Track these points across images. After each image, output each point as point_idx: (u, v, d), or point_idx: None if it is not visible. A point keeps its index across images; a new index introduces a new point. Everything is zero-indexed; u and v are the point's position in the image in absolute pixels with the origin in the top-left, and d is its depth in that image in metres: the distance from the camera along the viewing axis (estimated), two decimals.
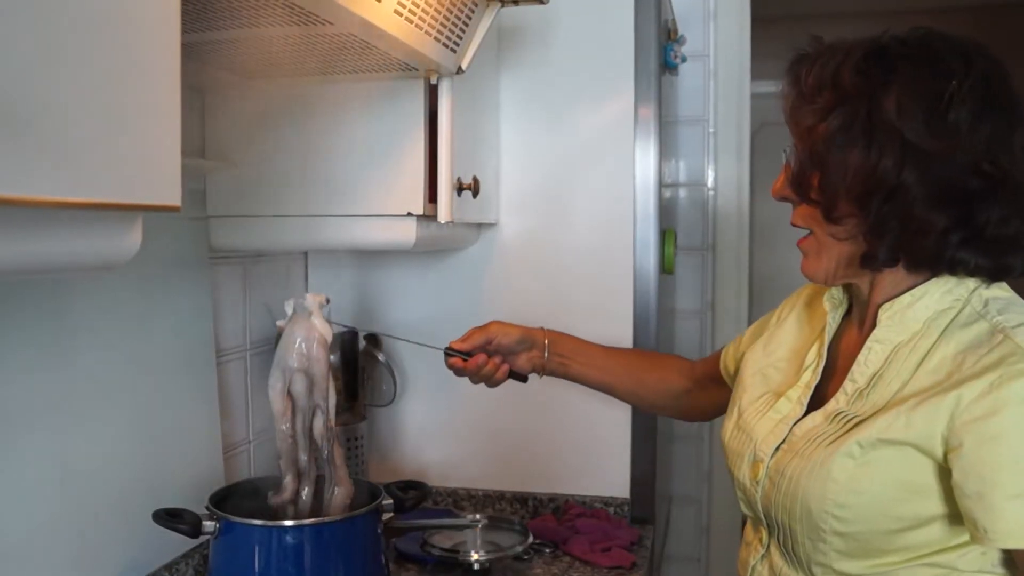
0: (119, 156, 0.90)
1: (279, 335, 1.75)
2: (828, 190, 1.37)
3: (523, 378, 1.98)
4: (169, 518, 1.67)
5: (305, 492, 1.78)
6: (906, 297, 1.41)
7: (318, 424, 1.75)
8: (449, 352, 1.88)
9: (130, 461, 1.77)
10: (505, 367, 1.93)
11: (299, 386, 1.73)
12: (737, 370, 1.78)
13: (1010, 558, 1.33)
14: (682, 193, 3.35)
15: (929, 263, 1.38)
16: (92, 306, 1.67)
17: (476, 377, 1.92)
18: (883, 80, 1.33)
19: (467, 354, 1.88)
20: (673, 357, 2.13)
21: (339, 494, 1.79)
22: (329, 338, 1.76)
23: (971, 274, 1.38)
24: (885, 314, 1.42)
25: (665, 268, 2.51)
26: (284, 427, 1.74)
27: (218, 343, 2.11)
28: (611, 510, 2.47)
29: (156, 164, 0.96)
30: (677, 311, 3.30)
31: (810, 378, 1.53)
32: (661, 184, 2.48)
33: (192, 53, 1.67)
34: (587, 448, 2.51)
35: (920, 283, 1.41)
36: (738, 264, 3.35)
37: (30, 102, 0.78)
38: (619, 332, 2.44)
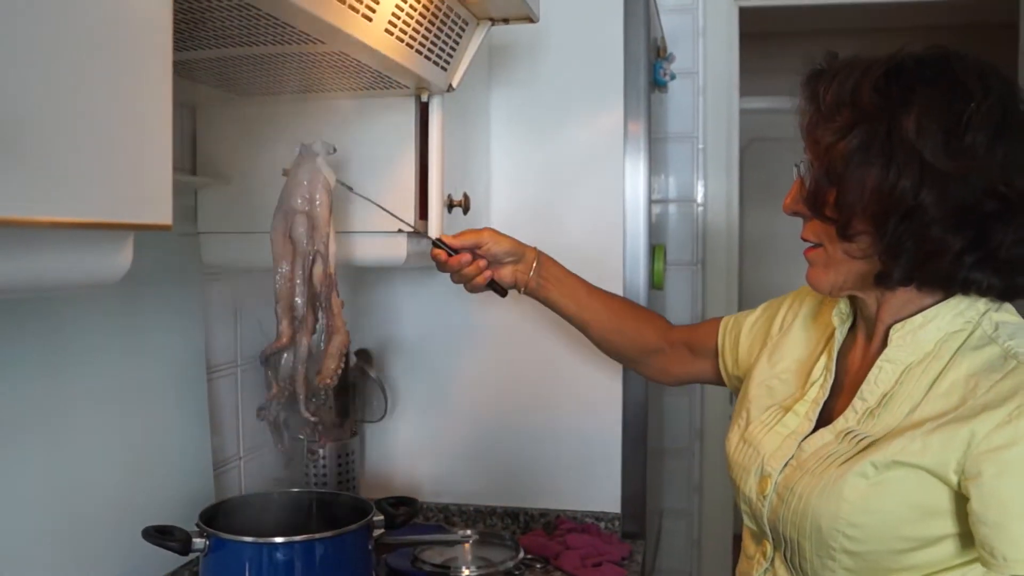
0: (110, 175, 0.90)
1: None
2: (844, 208, 1.38)
3: (502, 292, 1.96)
4: (159, 535, 1.67)
5: (302, 343, 1.71)
6: (918, 318, 1.42)
7: (317, 270, 1.70)
8: (437, 244, 1.85)
9: (120, 477, 1.77)
10: (488, 273, 1.90)
11: (300, 229, 1.68)
12: (740, 377, 1.79)
13: None
14: (672, 209, 3.36)
15: (942, 283, 1.39)
16: (83, 322, 1.67)
17: (457, 276, 1.88)
18: (903, 100, 1.34)
19: (453, 250, 1.85)
20: (655, 315, 2.12)
21: (335, 342, 1.73)
22: (333, 182, 1.71)
23: (982, 294, 1.39)
24: (896, 334, 1.43)
25: (655, 283, 2.52)
26: (283, 269, 1.69)
27: (209, 359, 2.10)
28: (602, 525, 2.47)
29: (147, 183, 0.96)
30: None
31: (818, 393, 1.54)
32: (651, 200, 2.49)
33: (183, 71, 1.67)
34: (578, 463, 2.51)
35: (928, 302, 1.42)
36: (728, 279, 3.36)
37: (20, 122, 0.79)
38: None
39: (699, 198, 3.36)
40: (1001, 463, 1.26)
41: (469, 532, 2.23)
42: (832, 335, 1.58)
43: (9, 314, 1.51)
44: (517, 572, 2.17)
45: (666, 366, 2.04)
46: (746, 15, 3.39)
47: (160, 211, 0.99)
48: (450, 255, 1.84)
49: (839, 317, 1.57)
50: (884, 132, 1.33)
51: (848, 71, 1.40)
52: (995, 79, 1.36)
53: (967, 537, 1.33)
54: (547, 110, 2.48)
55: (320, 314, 1.73)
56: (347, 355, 2.45)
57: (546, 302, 2.00)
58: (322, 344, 1.74)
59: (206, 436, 2.06)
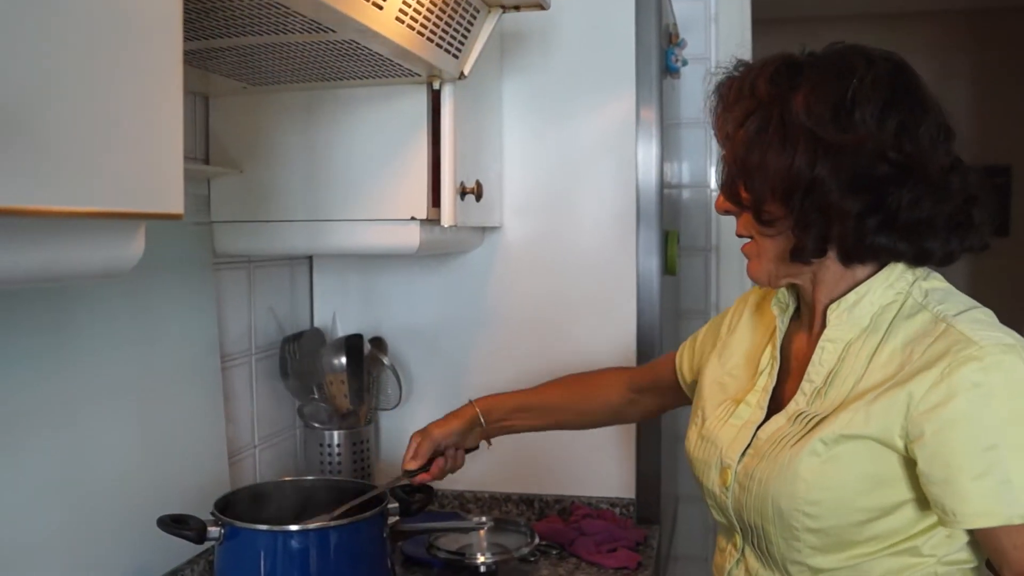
0: (121, 165, 0.90)
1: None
2: (754, 193, 1.44)
3: (475, 447, 2.04)
4: (174, 524, 1.68)
5: None
6: (851, 296, 1.46)
7: None
8: (409, 474, 1.90)
9: (135, 467, 1.78)
10: (460, 453, 1.97)
11: None
12: (695, 380, 1.83)
13: (975, 540, 1.39)
14: (685, 195, 3.35)
15: (855, 251, 1.42)
16: (97, 312, 1.68)
17: (441, 476, 1.95)
18: (792, 85, 1.41)
19: (425, 466, 1.91)
20: (608, 373, 2.15)
21: None
22: None
23: (897, 260, 1.44)
24: (833, 314, 1.47)
25: (668, 269, 2.52)
26: None
27: (223, 348, 2.11)
28: (617, 511, 2.47)
29: (158, 172, 0.96)
30: (681, 311, 3.30)
31: (766, 381, 1.58)
32: (664, 186, 2.49)
33: (196, 60, 1.67)
34: (593, 449, 2.51)
35: (860, 277, 1.46)
36: (741, 263, 3.32)
37: (31, 113, 0.79)
38: (623, 333, 2.45)
39: (712, 183, 3.34)
40: (940, 421, 1.31)
41: (484, 519, 2.23)
42: (776, 325, 1.62)
43: (22, 305, 1.52)
44: (532, 558, 2.17)
45: (644, 408, 2.10)
46: (758, 1, 3.37)
47: (171, 200, 0.99)
48: (427, 470, 1.90)
49: (779, 306, 1.62)
50: (777, 115, 1.40)
51: (748, 69, 1.49)
52: (881, 59, 1.43)
53: (923, 502, 1.37)
54: (559, 97, 2.47)
55: None
56: (362, 344, 2.45)
57: (513, 432, 2.07)
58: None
59: (220, 425, 2.07)
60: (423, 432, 1.93)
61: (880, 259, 1.44)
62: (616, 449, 2.50)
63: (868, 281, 1.45)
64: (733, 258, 3.34)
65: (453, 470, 1.96)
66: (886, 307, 1.44)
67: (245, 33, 1.49)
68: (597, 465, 2.51)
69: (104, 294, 1.70)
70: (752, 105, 1.44)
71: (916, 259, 1.44)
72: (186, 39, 1.01)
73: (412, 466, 1.89)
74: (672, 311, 2.94)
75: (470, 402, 2.00)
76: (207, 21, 1.41)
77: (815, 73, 1.41)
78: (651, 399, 2.05)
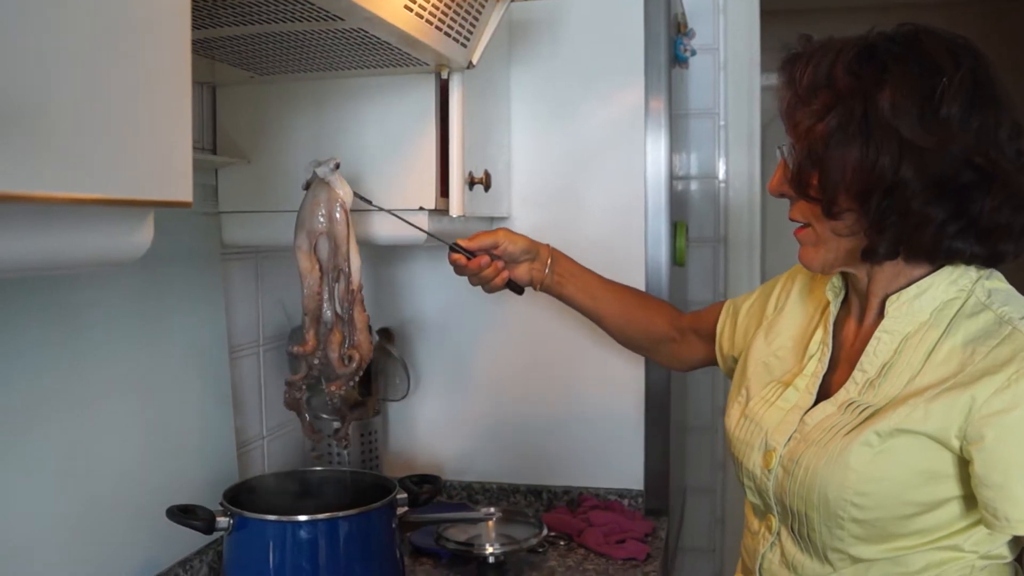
0: (129, 152, 0.90)
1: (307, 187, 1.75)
2: (828, 188, 1.40)
3: (519, 290, 1.98)
4: (183, 514, 1.68)
5: (319, 354, 1.76)
6: (913, 289, 1.44)
7: (341, 287, 1.74)
8: (453, 248, 1.87)
9: (143, 458, 1.78)
10: (505, 273, 1.92)
11: (323, 249, 1.73)
12: (735, 358, 1.82)
13: (1015, 540, 1.41)
14: (693, 186, 3.35)
15: (927, 254, 1.41)
16: (104, 302, 1.68)
17: (476, 278, 1.90)
18: (876, 79, 1.36)
19: (471, 253, 1.87)
20: (665, 304, 2.15)
21: (356, 356, 1.76)
22: (349, 201, 1.74)
23: (967, 262, 1.42)
24: (892, 306, 1.45)
25: (677, 260, 2.51)
26: (311, 283, 1.74)
27: (231, 339, 2.11)
28: (625, 502, 2.47)
29: (167, 160, 0.96)
30: (689, 303, 3.29)
31: (816, 367, 1.56)
32: (672, 177, 2.48)
33: (204, 49, 1.67)
34: (601, 440, 2.51)
35: (918, 274, 1.44)
36: (750, 255, 3.34)
37: (39, 99, 0.78)
38: None
39: (721, 175, 3.33)
40: (1002, 427, 1.30)
41: (492, 510, 2.23)
42: (826, 309, 1.61)
43: (31, 295, 1.51)
44: (541, 549, 2.18)
45: (677, 353, 2.07)
46: None
47: (180, 188, 0.99)
48: (469, 259, 1.87)
49: (832, 292, 1.60)
50: (860, 112, 1.36)
51: (822, 54, 1.43)
52: (964, 52, 1.38)
53: (970, 499, 1.37)
54: (567, 87, 2.47)
55: (344, 328, 1.77)
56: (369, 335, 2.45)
57: (561, 297, 2.03)
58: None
59: (229, 416, 2.07)
60: (491, 230, 1.91)
61: (951, 260, 1.42)
62: (624, 441, 2.50)
63: (931, 276, 1.43)
64: (741, 249, 3.34)
65: (487, 283, 1.91)
66: (947, 303, 1.43)
67: (253, 22, 1.48)
68: (605, 457, 2.51)
69: (112, 285, 1.70)
70: (832, 99, 1.39)
71: (988, 261, 1.42)
72: (194, 28, 1.00)
73: (462, 242, 1.87)
74: (680, 302, 2.93)
75: (546, 244, 1.98)
76: (215, 9, 1.41)
77: (899, 67, 1.36)
78: (688, 345, 2.02)
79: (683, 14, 2.85)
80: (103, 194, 0.87)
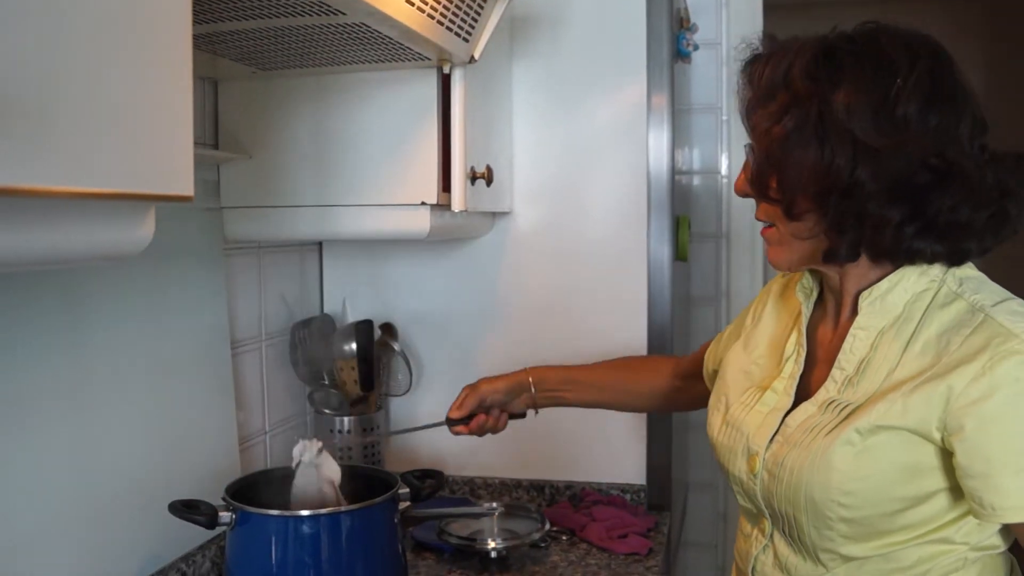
0: (131, 146, 0.90)
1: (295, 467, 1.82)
2: (787, 190, 1.40)
3: (522, 415, 2.06)
4: (185, 509, 1.68)
5: None
6: (884, 283, 1.44)
7: None
8: (451, 423, 1.95)
9: (146, 452, 1.78)
10: (504, 416, 2.02)
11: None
12: (716, 371, 1.81)
13: (1007, 530, 1.40)
14: (696, 180, 3.35)
15: (888, 255, 1.41)
16: (107, 297, 1.68)
17: (481, 433, 1.99)
18: (832, 80, 1.36)
19: (467, 419, 1.95)
20: (658, 359, 2.17)
21: None
22: (337, 478, 1.82)
23: (930, 261, 1.41)
24: (865, 302, 1.45)
25: (679, 255, 2.51)
26: None
27: (233, 334, 2.11)
28: (628, 497, 2.47)
29: (168, 154, 0.96)
30: (692, 298, 3.29)
31: (793, 368, 1.56)
32: (675, 172, 2.48)
33: (205, 44, 1.67)
34: (603, 435, 2.51)
35: (889, 268, 1.44)
36: (752, 250, 3.34)
37: (42, 95, 0.78)
38: (633, 319, 2.44)
39: (723, 170, 3.33)
40: (981, 415, 1.29)
41: (495, 505, 2.23)
42: (801, 312, 1.61)
43: (33, 290, 1.52)
44: (543, 544, 2.17)
45: (686, 398, 2.08)
46: None
47: (181, 182, 0.99)
48: (467, 423, 1.96)
49: (803, 292, 1.60)
50: (816, 114, 1.35)
51: (782, 55, 1.42)
52: (923, 49, 1.38)
53: (957, 491, 1.36)
54: (570, 82, 2.46)
55: None
56: (372, 329, 2.45)
57: (562, 405, 2.09)
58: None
59: (231, 411, 2.07)
60: (472, 386, 1.97)
61: (913, 260, 1.41)
62: (627, 436, 2.50)
63: (901, 270, 1.43)
64: (744, 244, 3.34)
65: (494, 430, 2.00)
66: (919, 295, 1.42)
67: (254, 16, 1.48)
68: (608, 452, 2.51)
69: (115, 280, 1.70)
70: (788, 99, 1.39)
71: (951, 259, 1.41)
72: (195, 22, 1.01)
73: (454, 415, 1.94)
74: (683, 297, 2.94)
75: (524, 369, 2.02)
76: (216, 4, 1.41)
77: (855, 67, 1.35)
78: (696, 387, 2.01)
79: (686, 9, 2.85)
80: (105, 188, 0.87)
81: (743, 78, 1.48)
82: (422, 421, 2.61)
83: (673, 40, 2.45)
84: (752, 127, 1.46)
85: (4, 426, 1.46)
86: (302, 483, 1.80)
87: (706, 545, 3.46)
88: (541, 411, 2.33)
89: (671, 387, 2.06)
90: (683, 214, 2.68)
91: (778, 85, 1.40)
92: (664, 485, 2.50)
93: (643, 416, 2.48)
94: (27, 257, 0.87)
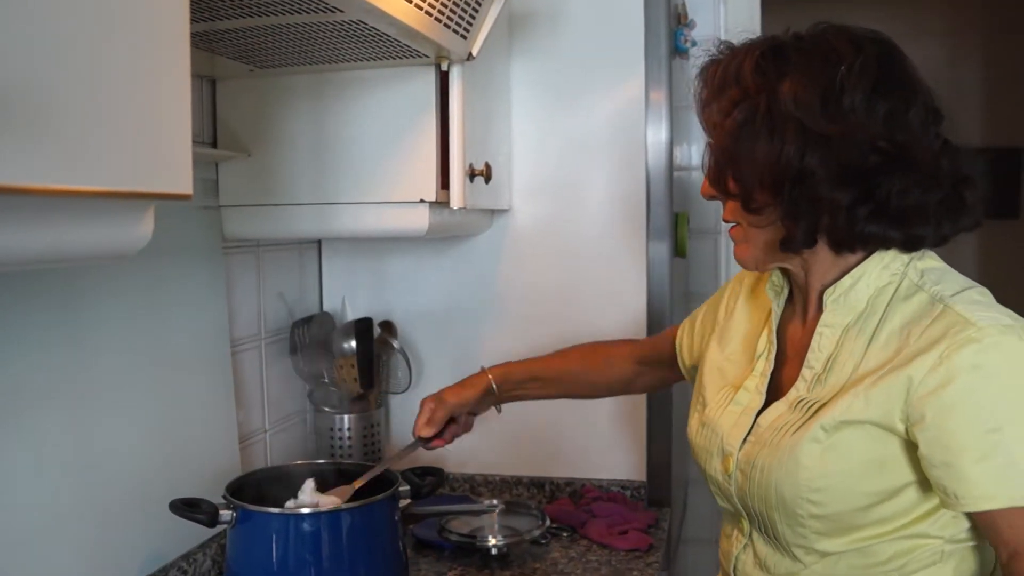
0: (129, 145, 0.90)
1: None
2: (743, 183, 1.43)
3: (483, 413, 2.06)
4: (186, 508, 1.68)
5: None
6: (846, 279, 1.45)
7: None
8: (424, 441, 1.95)
9: (146, 451, 1.78)
10: (471, 420, 2.03)
11: None
12: (694, 365, 1.83)
13: (970, 518, 1.39)
14: (695, 176, 3.33)
15: (846, 240, 1.42)
16: (106, 296, 1.68)
17: (451, 441, 2.00)
18: (779, 73, 1.39)
19: (439, 433, 1.96)
20: (618, 345, 2.16)
21: None
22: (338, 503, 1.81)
23: (886, 247, 1.42)
24: (829, 299, 1.47)
25: (678, 251, 2.51)
26: None
27: (232, 333, 2.11)
28: (628, 493, 2.47)
29: (166, 152, 0.96)
30: (691, 294, 3.29)
31: (764, 366, 1.57)
32: (673, 168, 2.48)
33: (203, 42, 1.67)
34: (603, 432, 2.51)
35: (852, 262, 1.45)
36: None
37: (39, 93, 0.78)
38: (632, 316, 2.44)
39: None
40: (940, 404, 1.30)
41: (495, 502, 2.23)
42: (771, 309, 1.61)
43: (33, 288, 1.52)
44: (544, 541, 2.18)
45: (650, 382, 2.13)
46: None
47: (180, 180, 0.99)
48: (442, 436, 1.96)
49: (773, 290, 1.61)
50: (764, 105, 1.38)
51: (732, 55, 1.46)
52: (868, 42, 1.40)
53: (926, 483, 1.37)
54: (568, 79, 2.46)
55: None
56: (371, 327, 2.46)
57: (525, 399, 2.10)
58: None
59: (231, 409, 2.07)
60: (436, 398, 1.96)
61: (870, 247, 1.43)
62: (627, 432, 2.50)
63: (862, 264, 1.44)
64: None
65: (464, 433, 2.01)
66: (882, 289, 1.44)
67: (252, 14, 1.48)
68: (608, 448, 2.51)
69: (114, 279, 1.70)
70: (738, 94, 1.42)
71: (907, 245, 1.42)
72: (193, 20, 1.01)
73: (427, 433, 1.93)
74: (682, 293, 2.94)
75: (483, 370, 2.02)
76: (214, 1, 1.41)
77: (802, 60, 1.39)
78: (655, 372, 2.06)
79: (683, 5, 2.85)
80: (103, 187, 0.87)
81: (698, 80, 1.52)
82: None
83: (671, 36, 2.45)
84: (706, 122, 1.49)
85: (4, 424, 1.46)
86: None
87: (706, 541, 3.45)
88: (544, 408, 2.34)
89: (632, 372, 2.08)
90: (682, 210, 2.67)
91: (729, 81, 1.44)
92: (664, 481, 2.50)
93: (643, 413, 2.48)
94: (26, 256, 0.87)
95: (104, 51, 0.86)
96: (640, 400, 2.47)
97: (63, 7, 0.80)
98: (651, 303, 2.44)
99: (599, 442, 2.52)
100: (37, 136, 0.78)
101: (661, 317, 2.43)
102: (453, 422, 1.97)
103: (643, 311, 2.44)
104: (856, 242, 1.41)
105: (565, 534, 2.25)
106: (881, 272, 1.43)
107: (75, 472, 1.60)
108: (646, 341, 2.14)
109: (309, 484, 1.80)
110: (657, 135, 2.42)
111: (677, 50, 2.56)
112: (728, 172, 1.44)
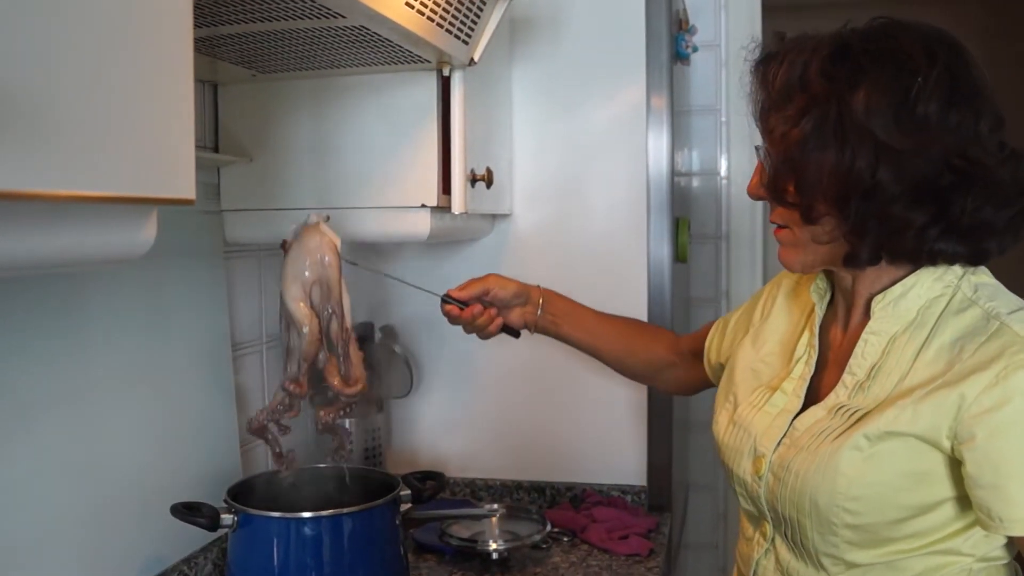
0: (132, 150, 0.90)
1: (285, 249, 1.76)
2: (805, 193, 1.37)
3: (515, 333, 1.99)
4: (187, 511, 1.68)
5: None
6: (898, 288, 1.41)
7: (334, 327, 1.74)
8: (446, 299, 1.89)
9: (147, 455, 1.78)
10: (499, 320, 1.93)
11: (316, 296, 1.73)
12: (722, 365, 1.79)
13: (1010, 541, 1.37)
14: (695, 182, 3.35)
15: (909, 257, 1.38)
16: (108, 300, 1.68)
17: (470, 327, 1.92)
18: (850, 81, 1.32)
19: (463, 303, 1.89)
20: (662, 330, 2.14)
21: (351, 390, 1.79)
22: (338, 243, 1.75)
23: (951, 262, 1.39)
24: (878, 306, 1.43)
25: (679, 257, 2.51)
26: (312, 330, 1.73)
27: (234, 337, 2.11)
28: (628, 498, 2.47)
29: (169, 157, 0.96)
30: (692, 299, 3.29)
31: (803, 370, 1.54)
32: (674, 173, 2.48)
33: (205, 48, 1.67)
34: (604, 437, 2.51)
35: (903, 272, 1.42)
36: (752, 251, 3.34)
37: (43, 98, 0.79)
38: None
39: (723, 171, 3.33)
40: (992, 425, 1.27)
41: (496, 506, 2.24)
42: (812, 312, 1.58)
43: (35, 292, 1.52)
44: (544, 545, 2.18)
45: (679, 377, 2.06)
46: None
47: (183, 185, 0.99)
48: (462, 309, 1.89)
49: (817, 293, 1.57)
50: (835, 115, 1.32)
51: (796, 54, 1.39)
52: (941, 47, 1.34)
53: (964, 501, 1.34)
54: (569, 84, 2.47)
55: (340, 364, 1.79)
56: (372, 332, 2.45)
57: (558, 337, 2.03)
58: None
59: (232, 413, 2.07)
60: (482, 277, 1.92)
61: (934, 261, 1.39)
62: (627, 437, 2.50)
63: (915, 274, 1.40)
64: (743, 246, 3.34)
65: (481, 329, 1.93)
66: (934, 300, 1.40)
67: (254, 19, 1.49)
68: (608, 453, 2.51)
69: (116, 282, 1.70)
70: (806, 103, 1.35)
71: (972, 259, 1.39)
72: (195, 26, 1.01)
73: (455, 294, 1.89)
74: (682, 299, 2.94)
75: (537, 286, 1.98)
76: (216, 7, 1.41)
77: (874, 67, 1.32)
78: (688, 367, 2.00)
79: (684, 10, 2.85)
80: (106, 192, 0.87)
81: (755, 79, 1.45)
82: (425, 424, 2.63)
83: (672, 42, 2.45)
84: (768, 131, 1.42)
85: (6, 429, 1.46)
86: (301, 252, 1.74)
87: (707, 546, 3.46)
88: (545, 412, 2.34)
89: (667, 361, 2.04)
90: (683, 216, 2.68)
91: (794, 87, 1.37)
92: (665, 486, 2.50)
93: (644, 417, 2.48)
94: (29, 262, 0.88)
95: (108, 57, 0.86)
96: (641, 405, 2.47)
97: (66, 13, 0.81)
98: (652, 308, 2.44)
99: (600, 447, 2.52)
100: (40, 142, 0.79)
101: (662, 322, 2.43)
102: (484, 308, 1.90)
103: (644, 316, 2.43)
104: (922, 258, 1.38)
105: (566, 539, 2.25)
106: (934, 283, 1.40)
107: (76, 476, 1.60)
108: (687, 335, 2.08)
109: (325, 215, 1.77)
110: (658, 140, 2.42)
111: (678, 56, 2.56)
112: (789, 180, 1.39)
